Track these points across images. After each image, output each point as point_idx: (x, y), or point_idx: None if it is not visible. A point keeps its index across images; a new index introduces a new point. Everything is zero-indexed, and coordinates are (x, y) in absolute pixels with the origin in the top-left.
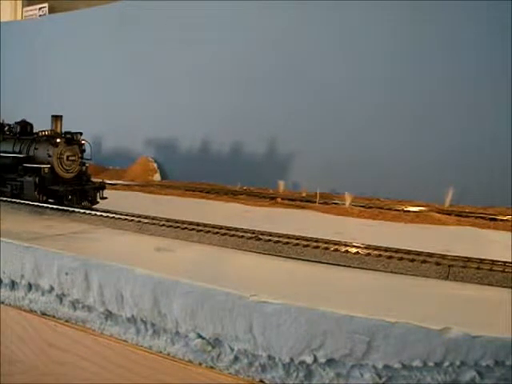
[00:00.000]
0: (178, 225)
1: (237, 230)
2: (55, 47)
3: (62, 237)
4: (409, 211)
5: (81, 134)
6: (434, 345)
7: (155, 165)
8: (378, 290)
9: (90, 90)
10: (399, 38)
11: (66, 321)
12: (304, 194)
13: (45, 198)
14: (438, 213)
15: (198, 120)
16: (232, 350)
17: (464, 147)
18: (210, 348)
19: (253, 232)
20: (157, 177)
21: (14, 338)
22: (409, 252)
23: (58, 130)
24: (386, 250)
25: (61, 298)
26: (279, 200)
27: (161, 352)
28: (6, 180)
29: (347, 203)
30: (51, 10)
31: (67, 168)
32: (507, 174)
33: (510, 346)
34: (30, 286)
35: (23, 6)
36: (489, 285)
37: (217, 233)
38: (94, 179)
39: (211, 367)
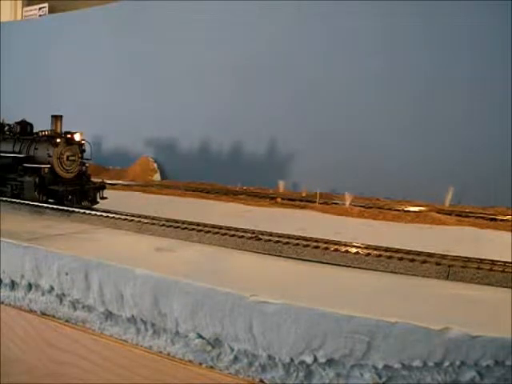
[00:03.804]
0: (178, 225)
1: (237, 230)
2: (55, 47)
3: (62, 237)
4: (409, 211)
5: (81, 133)
6: (433, 345)
7: (155, 165)
8: (378, 290)
9: (90, 90)
10: (399, 38)
11: (66, 321)
12: (304, 194)
13: (45, 198)
14: (438, 213)
15: (197, 120)
16: (232, 349)
17: (464, 147)
18: (209, 348)
19: (253, 232)
20: (157, 177)
21: (14, 337)
22: (409, 252)
23: (58, 130)
24: (386, 250)
25: (61, 297)
26: (279, 200)
27: (161, 352)
28: (6, 180)
29: (347, 203)
30: (51, 10)
31: (67, 168)
32: (507, 174)
33: (510, 346)
34: (29, 286)
35: (23, 6)
36: (489, 285)
37: (217, 233)
38: (94, 179)
39: (211, 367)
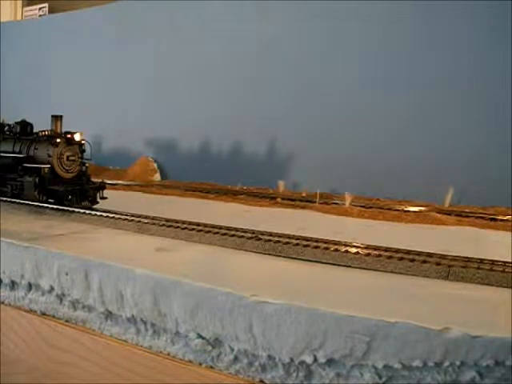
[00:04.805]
0: (178, 225)
1: (237, 230)
2: (55, 47)
3: (62, 237)
4: (409, 211)
5: (81, 133)
6: (433, 345)
7: (155, 165)
8: (378, 290)
9: (90, 90)
10: (399, 38)
11: (66, 321)
12: (304, 194)
13: (45, 198)
14: (438, 213)
15: (198, 120)
16: (232, 350)
17: (464, 147)
18: (210, 348)
19: (253, 232)
20: (157, 177)
21: (14, 338)
22: (409, 252)
23: (58, 130)
24: (386, 250)
25: (61, 298)
26: (279, 200)
27: (161, 352)
28: (6, 180)
29: (347, 203)
30: (51, 10)
31: (67, 168)
32: (507, 174)
33: (510, 346)
34: (29, 286)
35: (23, 6)
36: (489, 285)
37: (217, 233)
38: (94, 179)
39: (211, 367)
